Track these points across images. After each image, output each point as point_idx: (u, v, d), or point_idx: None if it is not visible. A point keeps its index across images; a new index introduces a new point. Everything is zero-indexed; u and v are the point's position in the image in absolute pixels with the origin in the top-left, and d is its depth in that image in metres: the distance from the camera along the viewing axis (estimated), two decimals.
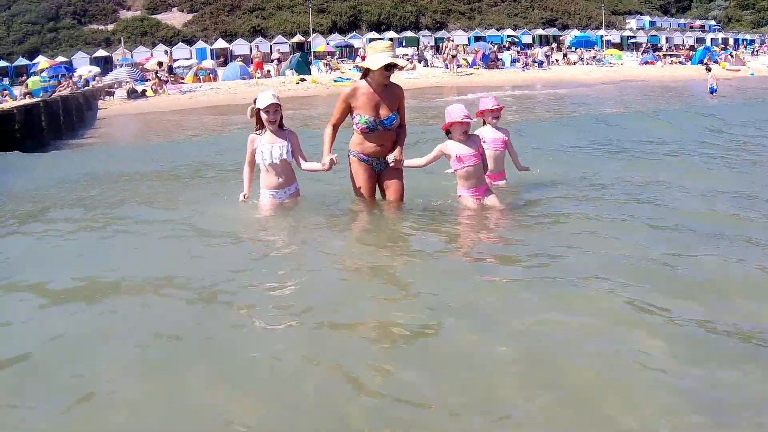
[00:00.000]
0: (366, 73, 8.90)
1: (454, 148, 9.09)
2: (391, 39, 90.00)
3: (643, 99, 35.70)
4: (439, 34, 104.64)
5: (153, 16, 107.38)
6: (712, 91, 37.27)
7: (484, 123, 10.77)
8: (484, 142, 10.11)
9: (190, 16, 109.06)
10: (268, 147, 8.88)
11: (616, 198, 10.21)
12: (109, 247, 8.33)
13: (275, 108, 8.84)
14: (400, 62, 8.81)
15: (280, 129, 9.03)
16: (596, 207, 9.55)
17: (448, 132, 9.21)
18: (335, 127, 9.07)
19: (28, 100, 38.78)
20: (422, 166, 9.54)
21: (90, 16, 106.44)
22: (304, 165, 9.09)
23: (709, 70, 40.52)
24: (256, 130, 9.02)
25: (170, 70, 60.63)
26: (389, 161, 8.94)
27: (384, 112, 8.83)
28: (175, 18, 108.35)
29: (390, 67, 8.67)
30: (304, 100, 38.52)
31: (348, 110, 8.96)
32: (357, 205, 9.22)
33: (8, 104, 36.91)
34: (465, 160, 9.03)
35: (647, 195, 10.26)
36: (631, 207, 9.55)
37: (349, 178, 9.24)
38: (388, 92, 8.90)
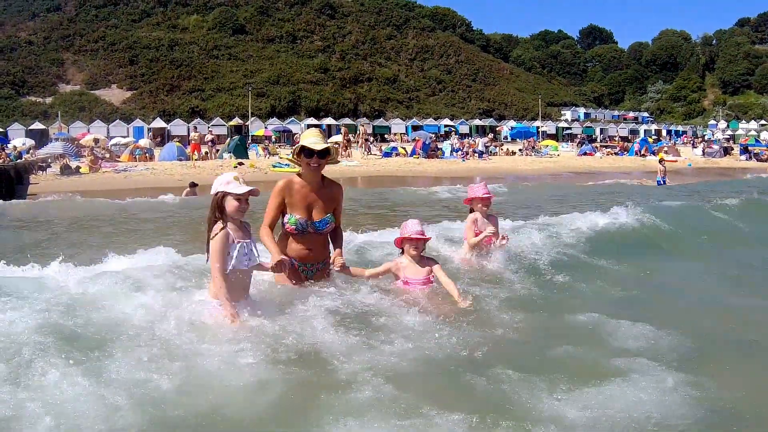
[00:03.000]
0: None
1: (405, 268, 8.27)
2: (329, 125, 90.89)
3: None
4: (377, 122, 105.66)
5: (92, 92, 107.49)
6: (660, 183, 37.67)
7: (471, 210, 10.21)
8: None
9: (129, 94, 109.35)
10: (244, 244, 6.85)
11: None
12: None
13: (248, 196, 6.87)
14: (318, 147, 7.65)
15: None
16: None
17: (402, 250, 8.40)
18: (271, 228, 7.76)
19: None
20: (366, 278, 8.33)
21: (29, 87, 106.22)
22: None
23: (661, 162, 41.60)
24: (216, 221, 6.78)
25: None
26: (335, 266, 7.98)
27: (318, 215, 7.88)
28: (114, 95, 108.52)
29: (311, 154, 7.69)
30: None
31: (282, 205, 7.81)
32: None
33: None
34: (412, 285, 8.18)
35: None
36: None
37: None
38: (325, 191, 7.94)
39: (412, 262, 8.28)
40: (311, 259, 7.98)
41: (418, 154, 59.70)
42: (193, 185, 29.48)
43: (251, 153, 59.37)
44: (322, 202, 7.90)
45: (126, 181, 40.68)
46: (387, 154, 61.62)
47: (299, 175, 7.96)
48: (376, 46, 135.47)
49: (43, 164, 46.76)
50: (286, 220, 7.81)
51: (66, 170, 43.76)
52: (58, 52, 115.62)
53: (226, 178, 6.93)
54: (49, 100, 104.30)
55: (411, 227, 8.28)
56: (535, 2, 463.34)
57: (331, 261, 8.06)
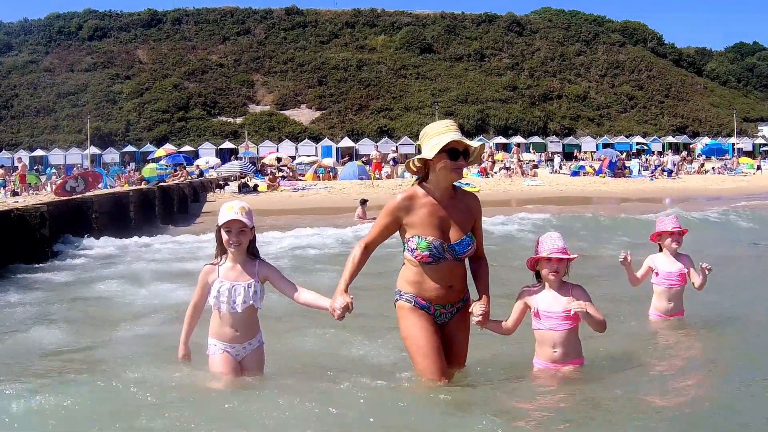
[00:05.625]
0: (425, 174, 5.92)
1: (540, 299, 6.26)
2: (518, 144, 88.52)
3: None
4: (567, 140, 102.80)
5: (281, 112, 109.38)
6: None
7: (661, 249, 8.46)
8: (657, 274, 8.29)
9: (318, 114, 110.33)
10: (228, 286, 6.14)
11: None
12: None
13: (240, 227, 6.09)
14: (472, 143, 5.81)
15: (249, 258, 6.30)
16: None
17: (537, 274, 6.35)
18: (368, 249, 6.04)
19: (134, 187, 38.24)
20: (508, 332, 6.39)
21: (219, 108, 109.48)
22: (304, 297, 6.17)
23: None
24: (216, 257, 6.31)
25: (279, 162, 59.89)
26: (474, 317, 5.89)
27: (455, 234, 5.85)
28: (303, 115, 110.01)
29: (457, 155, 5.72)
30: None
31: (394, 228, 5.97)
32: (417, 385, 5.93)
33: (117, 189, 36.20)
34: (543, 320, 6.18)
35: None
36: None
37: (401, 334, 6.08)
38: (459, 204, 5.95)
39: (548, 289, 6.26)
40: (449, 298, 5.92)
41: (605, 172, 56.49)
42: (364, 202, 27.86)
43: None
44: (459, 217, 5.88)
45: (301, 200, 39.78)
46: (575, 173, 58.95)
47: (421, 184, 5.92)
48: (565, 62, 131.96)
49: (222, 182, 47.15)
50: (413, 246, 5.80)
51: (243, 188, 43.57)
52: (248, 73, 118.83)
53: (223, 207, 6.23)
54: (239, 120, 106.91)
55: (549, 243, 6.20)
56: (729, 14, 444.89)
57: (470, 310, 5.93)
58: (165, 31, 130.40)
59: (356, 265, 5.93)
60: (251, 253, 6.29)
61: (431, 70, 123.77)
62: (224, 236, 6.11)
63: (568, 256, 6.16)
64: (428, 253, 5.75)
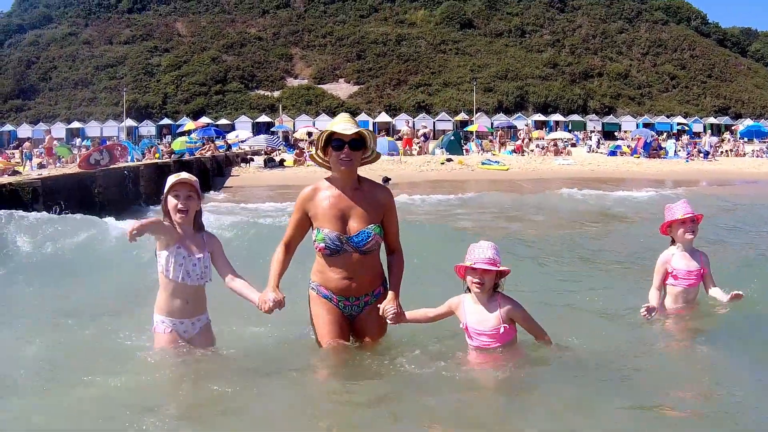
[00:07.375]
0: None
1: (468, 309, 6.02)
2: (556, 122, 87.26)
3: None
4: (607, 119, 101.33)
5: (319, 86, 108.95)
6: None
7: (673, 242, 7.53)
8: (675, 276, 7.32)
9: (356, 88, 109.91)
10: (184, 255, 6.03)
11: None
12: None
13: (188, 190, 6.04)
14: (344, 132, 5.80)
15: (196, 230, 6.22)
16: None
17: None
18: (289, 248, 6.17)
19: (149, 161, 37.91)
20: (427, 321, 6.35)
21: (257, 81, 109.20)
22: (236, 284, 6.15)
23: None
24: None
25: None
26: (387, 317, 5.96)
27: (355, 226, 5.91)
28: (340, 89, 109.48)
29: (341, 146, 5.82)
30: (441, 183, 35.25)
31: (306, 221, 6.06)
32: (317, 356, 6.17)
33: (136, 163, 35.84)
34: (474, 338, 5.95)
35: None
36: None
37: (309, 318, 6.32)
38: (362, 195, 6.02)
39: (476, 302, 5.97)
40: (353, 290, 6.05)
41: (639, 153, 55.25)
42: (386, 180, 27.27)
43: (472, 147, 57.13)
44: (360, 209, 5.95)
45: (326, 175, 39.02)
46: (612, 153, 57.91)
47: (328, 179, 6.12)
48: (606, 39, 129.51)
49: (247, 156, 46.71)
50: (314, 237, 5.99)
51: (269, 163, 43.14)
52: (287, 47, 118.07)
53: (170, 176, 6.15)
54: (276, 93, 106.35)
55: (477, 254, 5.86)
56: None
57: (381, 311, 5.96)
58: (204, 3, 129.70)
59: (280, 265, 6.06)
60: (197, 225, 6.24)
61: (471, 46, 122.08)
62: (172, 202, 6.02)
63: (494, 269, 5.90)
64: (324, 245, 5.90)
